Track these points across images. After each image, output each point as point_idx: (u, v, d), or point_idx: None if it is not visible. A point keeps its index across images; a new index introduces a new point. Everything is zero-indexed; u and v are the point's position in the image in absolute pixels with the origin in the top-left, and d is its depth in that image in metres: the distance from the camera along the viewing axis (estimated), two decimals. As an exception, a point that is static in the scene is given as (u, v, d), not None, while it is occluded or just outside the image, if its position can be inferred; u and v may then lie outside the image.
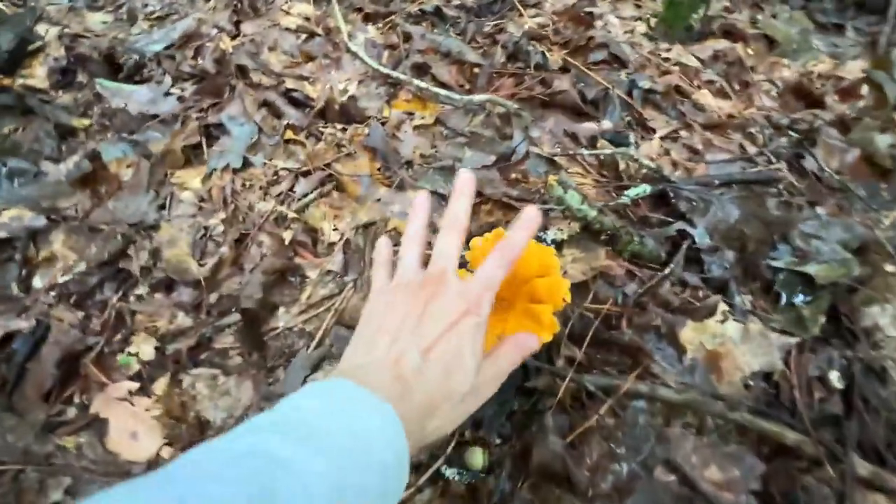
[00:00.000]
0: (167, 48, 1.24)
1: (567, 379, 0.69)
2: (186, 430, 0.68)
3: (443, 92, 1.04)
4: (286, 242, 0.85)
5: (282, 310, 0.80)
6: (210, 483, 0.23)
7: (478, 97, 1.02)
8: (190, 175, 0.97)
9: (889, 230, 0.87)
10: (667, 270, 0.79)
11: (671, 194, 0.87)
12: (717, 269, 0.82)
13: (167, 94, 1.10)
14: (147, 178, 0.94)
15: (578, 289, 0.79)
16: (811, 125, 1.03)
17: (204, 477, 0.24)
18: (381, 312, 0.41)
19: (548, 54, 1.16)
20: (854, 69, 1.15)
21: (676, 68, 1.14)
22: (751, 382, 0.68)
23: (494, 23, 1.31)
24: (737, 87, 1.14)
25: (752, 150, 1.01)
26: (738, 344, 0.70)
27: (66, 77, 1.16)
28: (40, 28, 1.25)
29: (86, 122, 1.05)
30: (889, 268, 0.80)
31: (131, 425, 0.66)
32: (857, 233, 0.87)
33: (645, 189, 0.86)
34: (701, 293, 0.80)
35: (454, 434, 0.67)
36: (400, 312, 0.39)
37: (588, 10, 1.30)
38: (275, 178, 0.97)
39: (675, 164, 0.96)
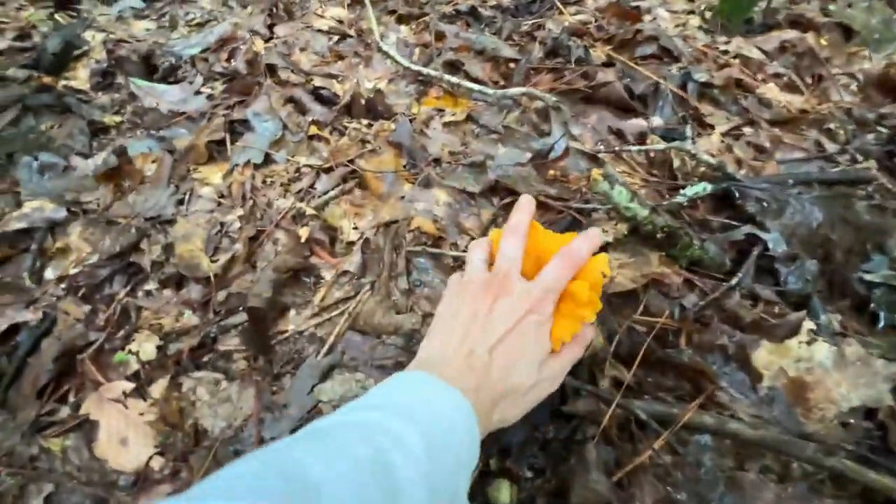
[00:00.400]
0: (203, 51, 1.24)
1: (614, 404, 0.58)
2: (181, 438, 0.62)
3: (475, 87, 0.97)
4: (302, 240, 0.79)
5: (293, 312, 0.74)
6: (334, 445, 0.29)
7: (512, 91, 0.94)
8: (212, 171, 0.94)
9: None
10: (734, 280, 0.67)
11: (736, 194, 0.75)
12: (795, 281, 0.69)
13: (197, 92, 1.10)
14: (168, 172, 0.92)
15: (626, 299, 0.69)
16: (904, 120, 0.88)
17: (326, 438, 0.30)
18: (454, 308, 0.46)
19: (590, 49, 1.08)
20: (953, 60, 1.00)
21: (736, 61, 1.03)
22: (850, 420, 0.54)
23: (533, 21, 1.25)
24: (809, 80, 1.01)
25: (831, 147, 0.87)
26: (830, 371, 0.57)
27: (106, 79, 1.18)
28: (88, 34, 1.29)
29: (117, 119, 1.05)
30: None
31: (122, 429, 0.61)
32: (976, 243, 0.71)
33: (705, 187, 0.75)
34: (776, 309, 0.67)
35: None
36: (470, 309, 0.44)
37: (635, 4, 1.21)
38: (296, 174, 0.92)
39: (739, 163, 0.84)
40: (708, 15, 1.15)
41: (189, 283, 0.77)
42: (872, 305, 0.69)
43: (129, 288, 0.75)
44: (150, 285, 0.77)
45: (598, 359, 0.65)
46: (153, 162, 0.95)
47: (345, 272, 0.76)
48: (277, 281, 0.72)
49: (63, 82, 1.16)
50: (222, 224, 0.85)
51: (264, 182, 0.92)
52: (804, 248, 0.70)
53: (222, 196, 0.90)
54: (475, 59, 1.11)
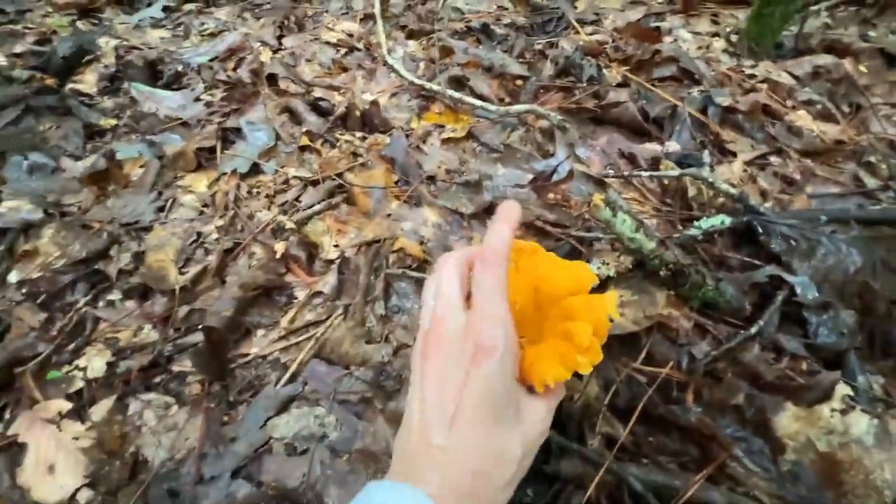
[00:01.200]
0: (211, 60, 1.24)
1: (603, 468, 0.49)
2: (116, 469, 0.56)
3: (477, 102, 0.92)
4: (278, 256, 0.74)
5: (259, 333, 0.68)
6: None
7: (516, 108, 0.89)
8: (198, 178, 0.90)
9: None
10: (754, 329, 0.57)
11: (760, 230, 0.66)
12: (828, 334, 0.59)
13: (197, 99, 1.08)
14: (154, 178, 0.89)
15: (628, 343, 0.60)
16: (957, 156, 0.78)
17: None
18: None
19: (604, 69, 1.02)
20: None
21: (764, 86, 0.95)
22: (896, 513, 0.44)
23: (547, 40, 1.20)
24: (846, 109, 0.92)
25: (871, 182, 0.78)
26: (871, 450, 0.47)
27: (113, 83, 1.18)
28: (102, 40, 1.31)
29: (112, 122, 1.03)
30: None
31: (51, 455, 0.55)
32: None
33: (723, 220, 0.66)
34: (805, 365, 0.58)
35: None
36: (416, 374, 0.34)
37: (655, 24, 1.15)
38: (284, 186, 0.88)
39: (763, 195, 0.75)
40: (734, 38, 1.07)
41: (154, 296, 0.72)
42: (923, 368, 0.58)
43: (90, 297, 0.71)
44: (113, 295, 0.72)
45: (591, 411, 0.56)
46: (141, 167, 0.92)
47: (318, 293, 0.70)
48: (243, 299, 0.67)
49: (70, 85, 1.16)
50: (199, 234, 0.80)
51: (250, 192, 0.87)
52: (839, 295, 0.61)
53: (205, 205, 0.86)
54: (482, 76, 1.06)
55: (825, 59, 0.96)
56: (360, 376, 0.62)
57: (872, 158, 0.81)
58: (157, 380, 0.63)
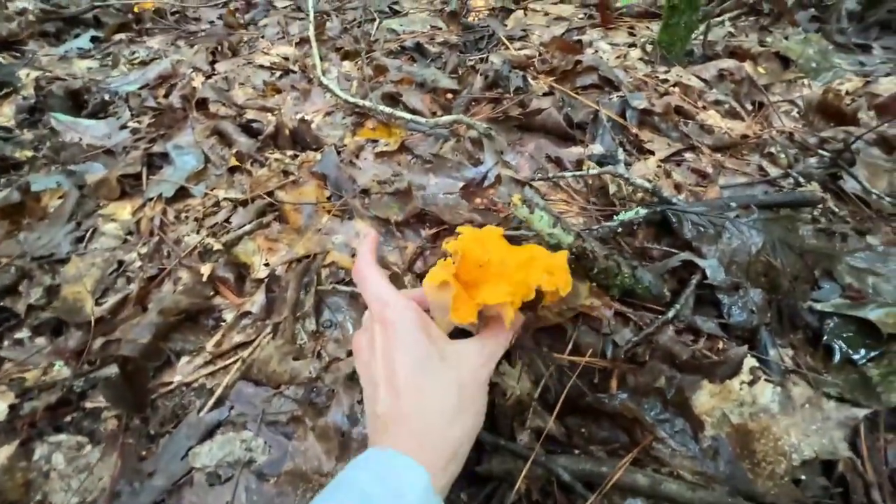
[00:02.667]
0: (140, 88, 1.21)
1: (529, 462, 0.49)
2: (18, 520, 0.51)
3: (408, 116, 0.93)
4: (204, 279, 0.71)
5: (183, 360, 0.65)
6: None
7: (444, 119, 0.91)
8: (121, 206, 0.87)
9: (973, 263, 0.66)
10: (671, 313, 0.60)
11: (673, 220, 0.70)
12: (739, 312, 0.63)
13: (123, 127, 1.05)
14: (72, 208, 0.85)
15: (554, 336, 0.61)
16: (846, 143, 0.86)
17: None
18: None
19: (530, 79, 1.06)
20: (889, 86, 0.99)
21: (676, 89, 1.01)
22: (803, 476, 0.46)
23: (479, 57, 1.24)
24: (749, 107, 0.99)
25: (774, 172, 0.84)
26: (777, 417, 0.49)
27: (33, 115, 1.13)
28: (23, 72, 1.26)
29: (29, 154, 0.98)
30: (985, 311, 0.58)
31: (-60, 513, 0.50)
32: (928, 267, 0.66)
33: (637, 211, 0.69)
34: (721, 344, 0.60)
35: None
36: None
37: (577, 38, 1.22)
38: (214, 208, 0.86)
39: (678, 188, 0.80)
40: (648, 47, 1.15)
41: (68, 330, 0.67)
42: (826, 338, 0.62)
43: (-6, 336, 0.66)
44: (22, 333, 0.67)
45: (523, 406, 0.56)
46: (60, 198, 0.88)
47: (247, 313, 0.68)
48: (162, 325, 0.64)
49: (-15, 119, 1.10)
50: (121, 263, 0.77)
51: (177, 217, 0.85)
52: (745, 275, 0.64)
53: (129, 233, 0.83)
54: (415, 91, 1.08)
55: (728, 63, 1.04)
56: (289, 395, 0.60)
57: (773, 150, 0.87)
58: (68, 419, 0.59)
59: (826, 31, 1.19)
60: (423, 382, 0.39)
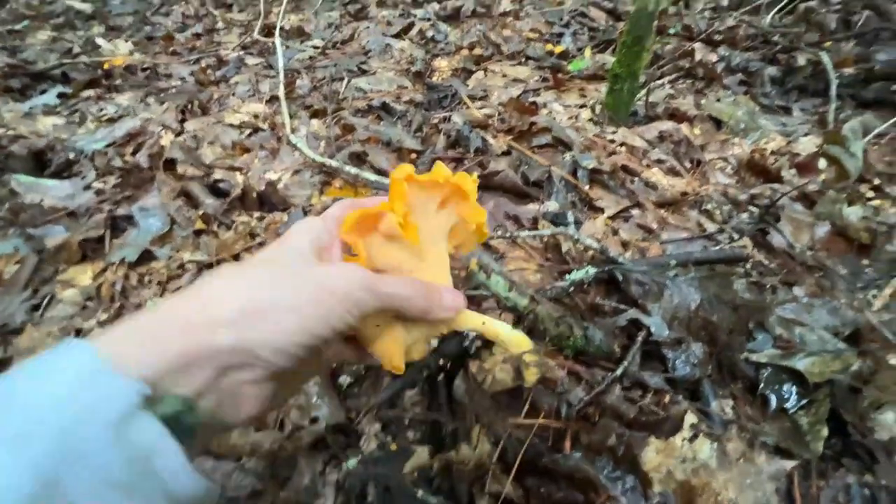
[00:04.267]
0: (107, 146, 1.22)
1: (485, 531, 0.50)
2: None
3: (372, 177, 0.98)
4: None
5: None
6: None
7: (408, 181, 0.95)
8: (82, 271, 0.86)
9: (882, 312, 0.74)
10: (619, 370, 0.64)
11: (620, 277, 0.75)
12: (683, 366, 0.67)
13: (87, 187, 1.05)
14: (29, 275, 0.84)
15: (512, 398, 0.64)
16: (772, 199, 0.95)
17: None
18: None
19: (490, 139, 1.13)
20: (807, 145, 1.11)
21: (623, 149, 1.10)
22: (741, 531, 0.49)
23: (442, 115, 1.32)
24: (688, 164, 1.09)
25: (711, 227, 0.92)
26: (716, 472, 0.52)
27: (-8, 175, 1.12)
28: (-16, 131, 1.25)
29: (-14, 217, 0.97)
30: (893, 360, 0.65)
31: None
32: (847, 317, 0.73)
33: (587, 271, 0.74)
34: (667, 398, 0.64)
35: None
36: None
37: (532, 99, 1.31)
38: (179, 271, 0.86)
39: (625, 245, 0.86)
40: (597, 108, 1.25)
41: (19, 407, 0.65)
42: (762, 387, 0.67)
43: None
44: (-32, 412, 0.65)
45: (482, 471, 0.58)
46: (16, 263, 0.87)
47: (208, 382, 0.68)
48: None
49: (-60, 180, 1.08)
50: (79, 331, 0.76)
51: (140, 281, 0.85)
52: (688, 330, 0.69)
53: (89, 299, 0.82)
54: (381, 151, 1.13)
55: (667, 125, 1.14)
56: (251, 468, 0.60)
57: (710, 206, 0.95)
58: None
59: (753, 93, 1.33)
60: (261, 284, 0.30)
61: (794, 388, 0.66)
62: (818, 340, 0.71)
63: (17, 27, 2.22)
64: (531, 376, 0.44)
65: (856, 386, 0.63)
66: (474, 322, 0.37)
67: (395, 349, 0.37)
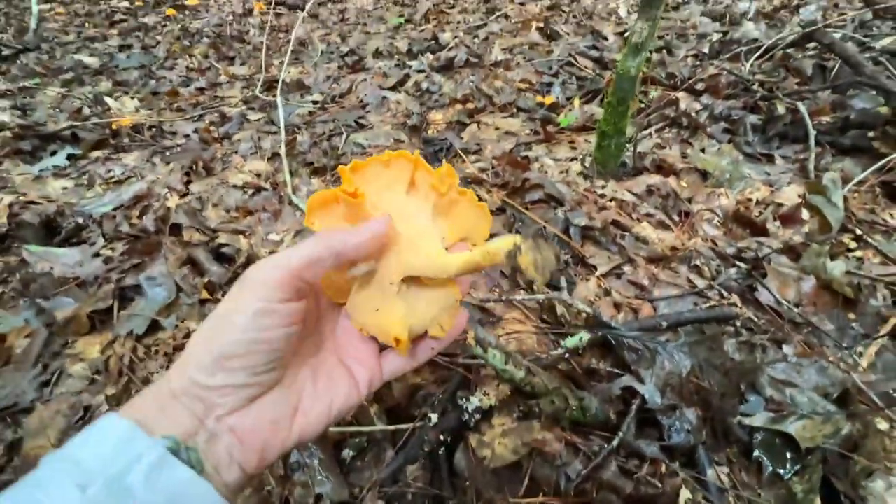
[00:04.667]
0: (115, 209, 1.26)
1: None
2: None
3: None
4: (172, 424, 0.73)
5: (148, 517, 0.65)
6: None
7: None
8: (91, 343, 0.88)
9: (869, 373, 0.76)
10: (615, 442, 0.65)
11: (613, 342, 0.78)
12: (678, 433, 0.69)
13: (96, 255, 1.08)
14: (39, 350, 0.86)
15: (512, 473, 0.65)
16: (758, 254, 0.98)
17: None
18: None
19: (485, 195, 1.17)
20: (790, 194, 1.15)
21: (613, 203, 1.14)
22: None
23: (438, 169, 1.37)
24: (676, 217, 1.13)
25: (700, 283, 0.94)
26: (711, 551, 0.54)
27: (4, 243, 1.16)
28: (-3, 197, 1.29)
29: (-2, 290, 1.00)
30: (882, 425, 0.66)
31: None
32: (835, 377, 0.75)
33: (581, 338, 0.77)
34: (663, 467, 0.66)
35: None
36: None
37: (524, 153, 1.36)
38: (184, 341, 0.88)
39: (617, 306, 0.88)
40: (587, 161, 1.30)
41: (28, 491, 0.67)
42: (756, 452, 0.68)
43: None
44: (-22, 499, 0.66)
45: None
46: (27, 337, 0.89)
47: (214, 461, 0.69)
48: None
49: (-47, 249, 1.12)
50: (87, 408, 0.78)
51: (147, 353, 0.87)
52: (680, 396, 0.71)
53: (97, 372, 0.84)
54: (380, 209, 1.17)
55: (655, 179, 1.19)
56: (256, 552, 0.61)
57: (699, 262, 0.98)
58: None
59: (736, 142, 1.38)
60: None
61: (787, 453, 0.68)
62: (808, 402, 0.72)
63: (28, 84, 2.31)
64: (525, 262, 0.43)
65: (846, 453, 0.65)
66: (463, 258, 0.36)
67: (390, 321, 0.37)
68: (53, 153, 1.58)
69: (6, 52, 2.91)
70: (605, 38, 2.20)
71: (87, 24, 3.58)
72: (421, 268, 0.37)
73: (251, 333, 0.31)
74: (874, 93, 1.40)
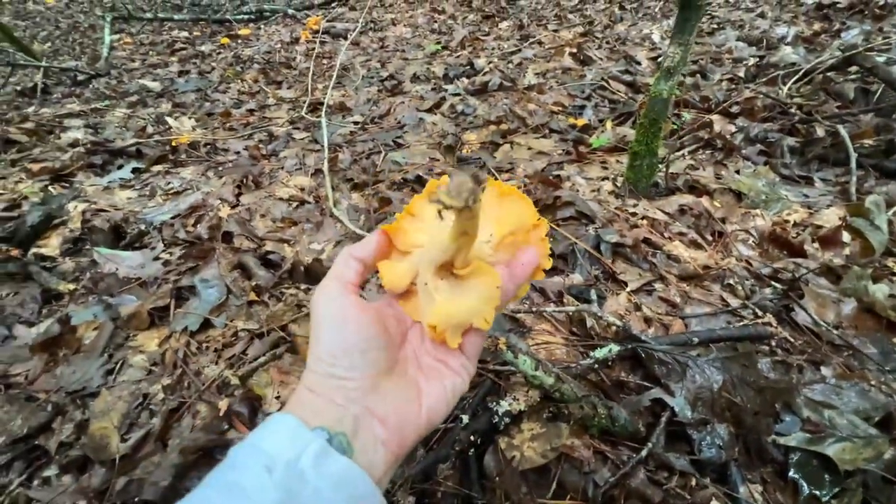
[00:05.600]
0: (173, 218, 1.37)
1: None
2: None
3: (408, 251, 1.06)
4: (221, 413, 0.78)
5: (197, 498, 0.69)
6: None
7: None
8: (149, 337, 0.96)
9: (915, 397, 0.73)
10: (644, 452, 0.66)
11: (643, 355, 0.79)
12: (709, 447, 0.69)
13: (156, 258, 1.18)
14: (106, 341, 0.94)
15: (539, 476, 0.67)
16: (794, 274, 0.97)
17: None
18: None
19: (516, 213, 1.21)
20: (830, 217, 1.13)
21: (644, 222, 1.15)
22: None
23: (471, 186, 1.42)
24: (709, 237, 1.13)
25: (734, 302, 0.94)
26: (742, 564, 0.53)
27: (77, 245, 1.28)
28: (71, 205, 1.43)
29: (72, 287, 1.10)
30: (926, 450, 0.64)
31: None
32: (878, 401, 0.73)
33: (611, 349, 0.78)
34: (694, 481, 0.66)
35: None
36: None
37: (556, 172, 1.40)
38: (233, 339, 0.95)
39: (647, 321, 0.89)
40: (619, 181, 1.32)
41: (94, 467, 0.73)
42: (791, 472, 0.67)
43: (25, 476, 0.72)
44: (51, 471, 0.73)
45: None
46: (95, 329, 0.98)
47: (258, 449, 0.74)
48: (182, 465, 0.70)
49: (34, 250, 1.24)
50: (146, 396, 0.84)
51: (199, 348, 0.94)
52: (711, 411, 0.71)
53: (154, 364, 0.91)
54: (415, 223, 1.23)
55: (687, 199, 1.20)
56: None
57: (732, 281, 0.98)
58: (86, 564, 0.63)
59: (773, 164, 1.37)
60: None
61: (824, 474, 0.66)
62: (848, 425, 0.71)
63: (99, 105, 2.55)
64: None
65: (889, 477, 0.63)
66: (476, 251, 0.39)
67: (427, 315, 0.40)
68: (120, 167, 1.74)
69: (81, 77, 3.22)
70: (639, 63, 2.24)
71: (150, 53, 3.92)
72: (438, 255, 0.40)
73: (342, 330, 0.37)
74: (921, 116, 1.36)
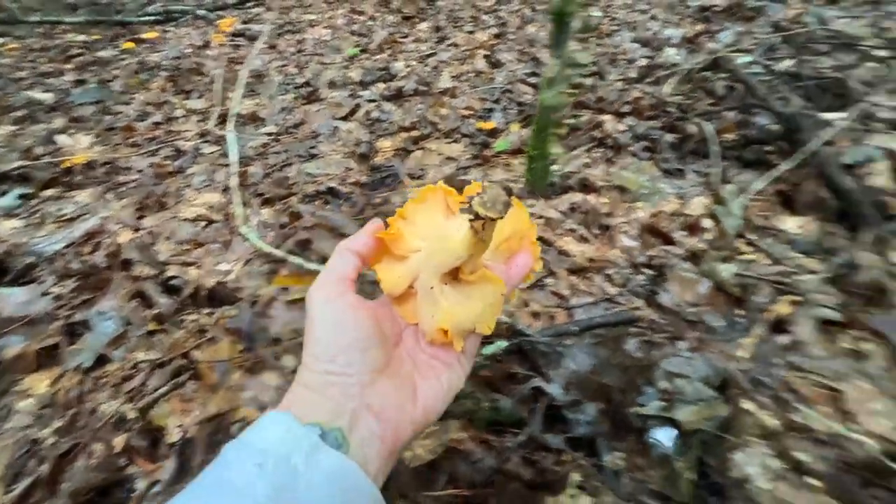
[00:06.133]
0: (66, 247, 1.29)
1: None
2: None
3: (314, 267, 1.09)
4: (116, 450, 0.77)
5: (93, 540, 0.69)
6: None
7: (345, 269, 1.06)
8: (39, 379, 0.92)
9: (748, 362, 0.87)
10: (521, 436, 0.74)
11: (527, 348, 0.87)
12: (581, 425, 0.78)
13: (45, 293, 1.11)
14: (-14, 389, 0.89)
15: (430, 473, 0.72)
16: (664, 261, 1.10)
17: None
18: None
19: (423, 220, 1.26)
20: (697, 206, 1.29)
21: (541, 220, 1.25)
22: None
23: (384, 195, 1.46)
24: (597, 231, 1.24)
25: (612, 290, 1.05)
26: (594, 525, 0.62)
27: (-49, 285, 1.17)
28: (-56, 240, 1.31)
29: (-56, 332, 1.02)
30: (748, 405, 0.77)
31: None
32: (719, 368, 0.86)
33: (499, 345, 0.86)
34: (564, 457, 0.74)
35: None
36: None
37: (463, 177, 1.47)
38: (132, 371, 0.93)
39: (535, 315, 0.98)
40: (520, 183, 1.41)
41: (-26, 525, 0.70)
42: (647, 437, 0.78)
43: None
44: (-77, 536, 0.69)
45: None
46: (-26, 377, 0.92)
47: (157, 481, 0.74)
48: (73, 508, 0.69)
49: None
50: (35, 441, 0.81)
51: (95, 385, 0.91)
52: (583, 393, 0.81)
53: (45, 407, 0.87)
54: (327, 237, 1.25)
55: (577, 198, 1.31)
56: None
57: (611, 271, 1.09)
58: None
59: (655, 160, 1.52)
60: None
61: (674, 436, 0.78)
62: (695, 391, 0.83)
63: (-22, 123, 2.30)
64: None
65: (721, 434, 0.75)
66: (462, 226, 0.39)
67: (431, 320, 0.41)
68: (3, 194, 1.60)
69: (-46, 91, 2.87)
70: (545, 65, 2.36)
71: (40, 60, 3.56)
72: (445, 259, 0.40)
73: (341, 327, 0.38)
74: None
